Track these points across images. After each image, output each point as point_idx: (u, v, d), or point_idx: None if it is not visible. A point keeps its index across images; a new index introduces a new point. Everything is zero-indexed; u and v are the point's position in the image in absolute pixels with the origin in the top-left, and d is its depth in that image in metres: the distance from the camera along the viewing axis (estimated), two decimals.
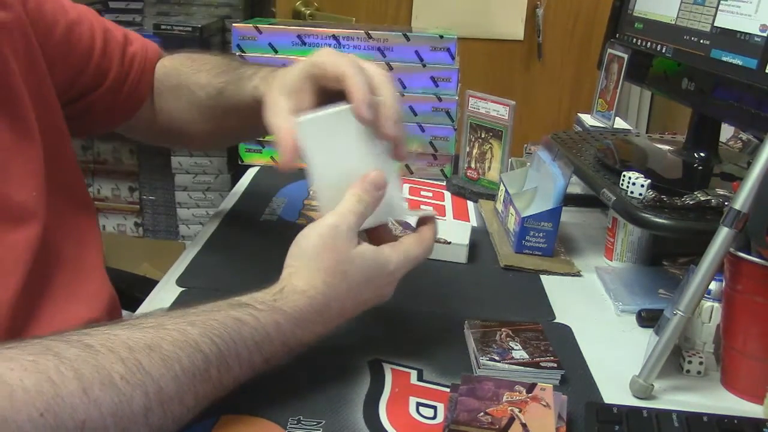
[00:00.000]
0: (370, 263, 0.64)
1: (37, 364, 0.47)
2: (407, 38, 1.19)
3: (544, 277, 0.91)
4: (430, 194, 1.17)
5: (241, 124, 0.90)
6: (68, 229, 0.75)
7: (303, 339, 0.62)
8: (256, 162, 1.28)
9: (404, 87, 1.20)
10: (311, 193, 0.68)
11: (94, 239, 0.81)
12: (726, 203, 0.68)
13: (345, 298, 0.64)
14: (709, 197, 0.81)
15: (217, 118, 0.88)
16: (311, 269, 0.63)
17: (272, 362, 0.61)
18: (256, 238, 0.98)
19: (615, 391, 0.67)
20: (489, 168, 1.16)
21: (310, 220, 0.70)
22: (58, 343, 0.50)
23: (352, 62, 0.68)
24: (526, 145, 1.25)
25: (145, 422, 0.50)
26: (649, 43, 1.00)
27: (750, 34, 0.80)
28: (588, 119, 1.29)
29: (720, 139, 0.99)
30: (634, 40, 1.04)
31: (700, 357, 0.71)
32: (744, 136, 1.15)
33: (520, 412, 0.57)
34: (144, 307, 0.79)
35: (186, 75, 0.90)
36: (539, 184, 0.98)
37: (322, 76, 0.69)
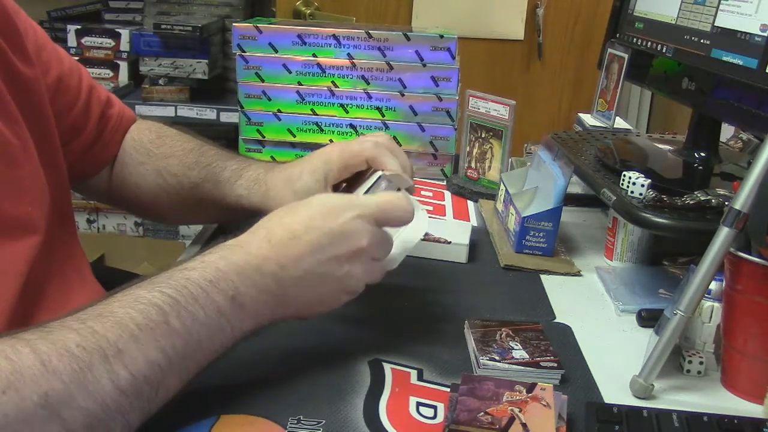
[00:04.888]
0: (321, 197, 0.66)
1: None
2: (407, 38, 1.19)
3: (544, 277, 0.91)
4: (431, 194, 1.17)
5: (217, 216, 0.94)
6: (57, 242, 0.76)
7: (263, 268, 0.61)
8: None
9: (404, 87, 1.20)
10: None
11: (79, 251, 0.82)
12: (726, 203, 0.68)
13: (291, 223, 0.63)
14: (709, 197, 0.81)
15: (189, 206, 0.90)
16: (264, 218, 0.66)
17: (243, 301, 0.59)
18: None
19: (615, 391, 0.67)
20: (489, 168, 1.16)
21: None
22: (16, 330, 0.51)
23: (372, 144, 0.77)
24: (526, 145, 1.25)
25: (114, 386, 0.50)
26: (649, 43, 1.00)
27: (750, 33, 0.80)
28: (588, 119, 1.29)
29: (720, 139, 0.99)
30: (635, 39, 1.04)
31: (700, 357, 0.71)
32: (744, 135, 1.15)
33: (520, 411, 0.57)
34: None
35: (155, 157, 0.91)
36: (539, 183, 0.98)
37: (344, 168, 0.78)
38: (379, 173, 0.76)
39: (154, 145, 0.91)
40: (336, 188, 0.81)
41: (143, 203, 0.92)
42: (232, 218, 0.93)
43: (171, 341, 0.54)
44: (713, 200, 0.81)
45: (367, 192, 0.74)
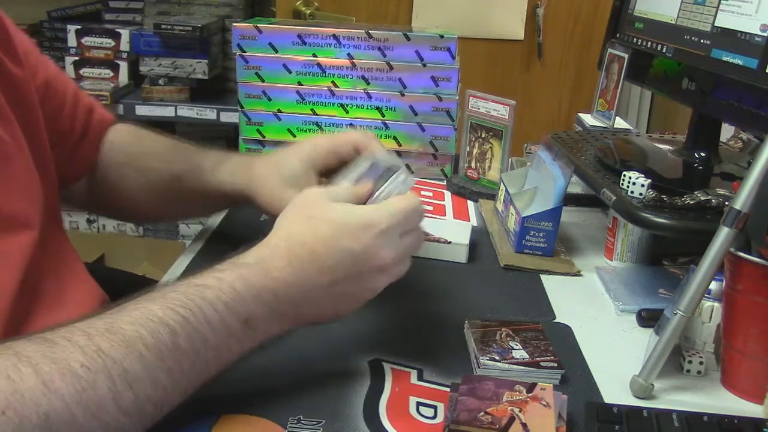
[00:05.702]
0: (339, 210, 0.63)
1: None
2: (407, 38, 1.19)
3: (544, 277, 0.91)
4: (431, 194, 1.17)
5: (200, 207, 0.95)
6: (50, 240, 0.76)
7: (280, 292, 0.59)
8: None
9: (404, 87, 1.20)
10: None
11: (70, 248, 0.82)
12: (726, 203, 0.68)
13: (313, 243, 0.61)
14: (709, 197, 0.81)
15: (170, 201, 0.91)
16: (278, 224, 0.64)
17: (255, 324, 0.58)
18: (257, 238, 0.98)
19: (615, 391, 0.67)
20: (489, 168, 1.16)
21: None
22: (19, 342, 0.49)
23: (361, 132, 0.81)
24: (526, 145, 1.25)
25: (117, 407, 0.49)
26: (649, 43, 1.00)
27: (750, 33, 0.80)
28: (588, 119, 1.29)
29: (720, 139, 0.99)
30: (635, 39, 1.04)
31: (700, 357, 0.71)
32: (744, 136, 1.15)
33: (520, 411, 0.57)
34: None
35: (134, 156, 0.91)
36: (539, 183, 0.98)
37: (332, 153, 0.80)
38: (370, 158, 0.74)
39: (133, 144, 0.92)
40: (324, 176, 0.81)
41: (124, 204, 0.92)
42: (215, 208, 0.94)
43: (178, 363, 0.53)
44: (713, 200, 0.81)
45: (359, 179, 0.72)
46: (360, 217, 0.63)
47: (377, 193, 0.68)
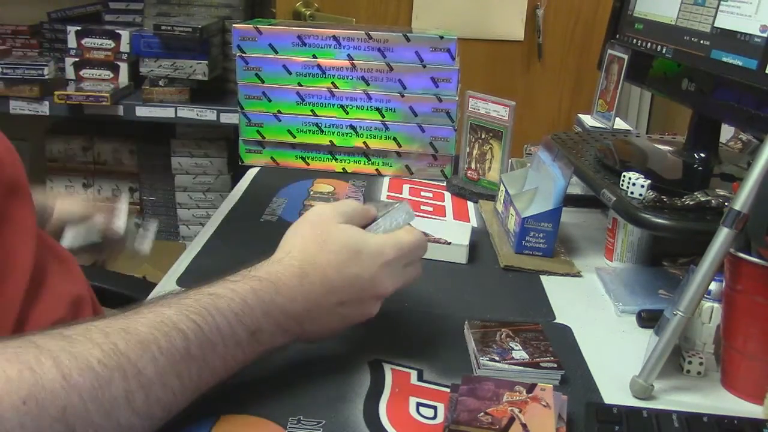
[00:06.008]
0: (352, 236, 0.66)
1: (19, 355, 0.48)
2: (407, 39, 1.19)
3: (544, 278, 0.91)
4: (431, 195, 1.17)
5: None
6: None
7: (288, 309, 0.62)
8: (256, 163, 1.28)
9: (404, 87, 1.20)
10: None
11: (52, 240, 0.82)
12: (726, 204, 0.68)
13: (325, 266, 0.64)
14: (709, 198, 0.81)
15: None
16: (291, 242, 0.66)
17: (261, 338, 0.60)
18: (257, 238, 0.98)
19: (615, 391, 0.67)
20: (489, 168, 1.16)
21: None
22: (39, 336, 0.51)
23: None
24: (526, 146, 1.25)
25: (128, 406, 0.50)
26: (649, 44, 1.00)
27: (750, 34, 0.80)
28: (588, 120, 1.29)
29: (720, 140, 0.99)
30: (635, 40, 1.04)
31: (700, 357, 0.71)
32: (744, 136, 1.15)
33: (520, 412, 0.57)
34: None
35: None
36: (539, 184, 0.98)
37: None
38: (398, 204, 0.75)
39: None
40: None
41: None
42: None
43: (188, 368, 0.55)
44: (713, 201, 0.81)
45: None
46: (370, 246, 0.66)
47: (381, 219, 0.71)
